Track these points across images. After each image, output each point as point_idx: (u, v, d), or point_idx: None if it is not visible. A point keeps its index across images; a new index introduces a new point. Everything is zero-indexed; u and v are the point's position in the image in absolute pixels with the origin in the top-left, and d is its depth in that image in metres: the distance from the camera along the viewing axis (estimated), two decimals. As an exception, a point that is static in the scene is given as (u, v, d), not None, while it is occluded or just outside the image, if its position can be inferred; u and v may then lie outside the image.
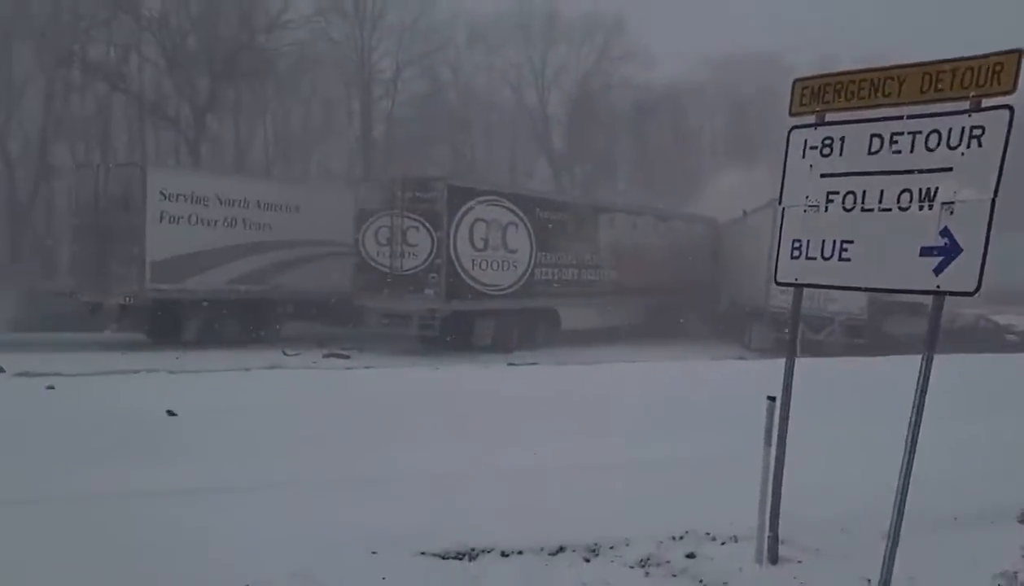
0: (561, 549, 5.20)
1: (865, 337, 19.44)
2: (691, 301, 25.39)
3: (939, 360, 4.53)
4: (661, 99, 37.98)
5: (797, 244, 5.11)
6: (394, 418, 8.70)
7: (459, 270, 18.89)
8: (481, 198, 19.60)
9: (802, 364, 5.33)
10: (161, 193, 18.32)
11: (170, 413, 8.41)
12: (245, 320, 19.84)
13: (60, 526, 5.20)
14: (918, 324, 20.25)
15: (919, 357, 4.45)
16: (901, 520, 4.42)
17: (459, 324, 19.25)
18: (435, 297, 18.54)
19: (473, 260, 19.21)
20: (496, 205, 19.88)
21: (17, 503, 5.54)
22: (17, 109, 29.81)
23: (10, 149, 29.34)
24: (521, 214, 20.37)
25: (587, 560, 5.11)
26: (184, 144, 29.57)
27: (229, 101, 31.33)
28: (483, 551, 5.13)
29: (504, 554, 5.13)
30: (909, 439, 4.41)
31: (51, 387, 9.80)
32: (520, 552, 5.14)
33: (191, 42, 29.28)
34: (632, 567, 5.02)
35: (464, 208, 19.02)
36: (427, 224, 18.60)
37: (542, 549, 5.17)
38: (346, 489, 6.26)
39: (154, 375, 12.43)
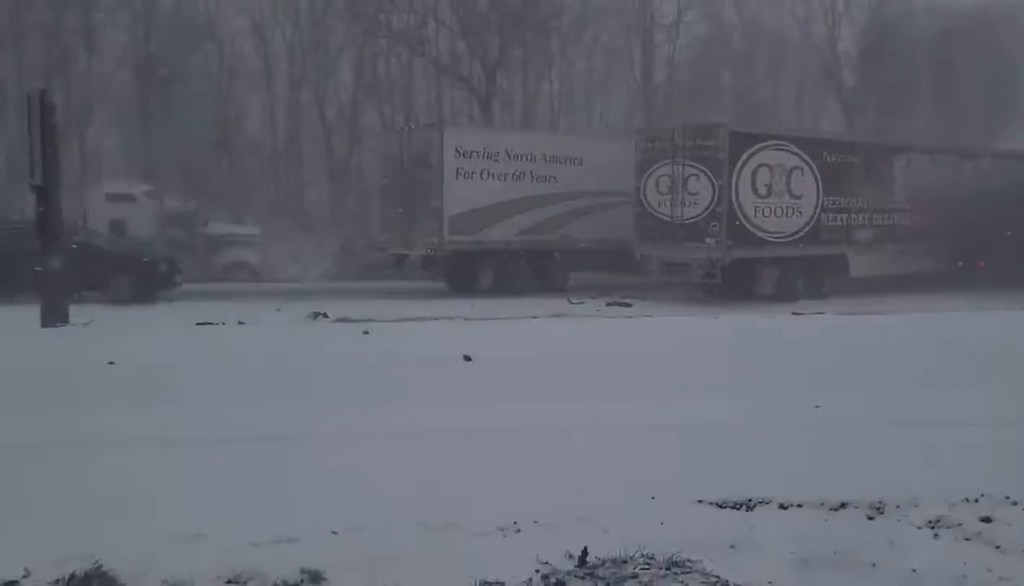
0: (843, 505, 5.18)
1: None
2: (1003, 247, 23.01)
3: None
4: (968, 25, 34.21)
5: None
6: (675, 368, 8.94)
7: (741, 218, 18.58)
8: (764, 143, 19.08)
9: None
10: (456, 150, 19.65)
11: (466, 358, 9.20)
12: (533, 270, 20.81)
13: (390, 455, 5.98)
14: None
15: None
16: None
17: (741, 273, 18.99)
18: (716, 246, 18.40)
19: (756, 207, 18.81)
20: (780, 150, 19.26)
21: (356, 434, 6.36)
22: (333, 78, 32.99)
23: (328, 115, 32.54)
24: (807, 158, 19.57)
25: (870, 518, 5.05)
26: (476, 103, 31.19)
27: (517, 58, 32.56)
28: (761, 502, 5.23)
29: (783, 506, 5.20)
30: None
31: (366, 332, 11.09)
32: (799, 505, 5.19)
33: (482, 3, 30.64)
34: (920, 528, 4.90)
35: (746, 154, 18.62)
36: (708, 172, 18.43)
37: (822, 504, 5.18)
38: (625, 436, 6.56)
39: (452, 322, 13.54)
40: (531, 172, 20.69)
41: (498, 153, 20.20)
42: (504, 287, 19.86)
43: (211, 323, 12.32)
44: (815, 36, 36.61)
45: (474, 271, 20.39)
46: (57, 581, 3.79)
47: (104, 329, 11.85)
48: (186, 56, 31.45)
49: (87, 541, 4.04)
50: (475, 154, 19.90)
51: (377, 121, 32.25)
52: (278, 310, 15.38)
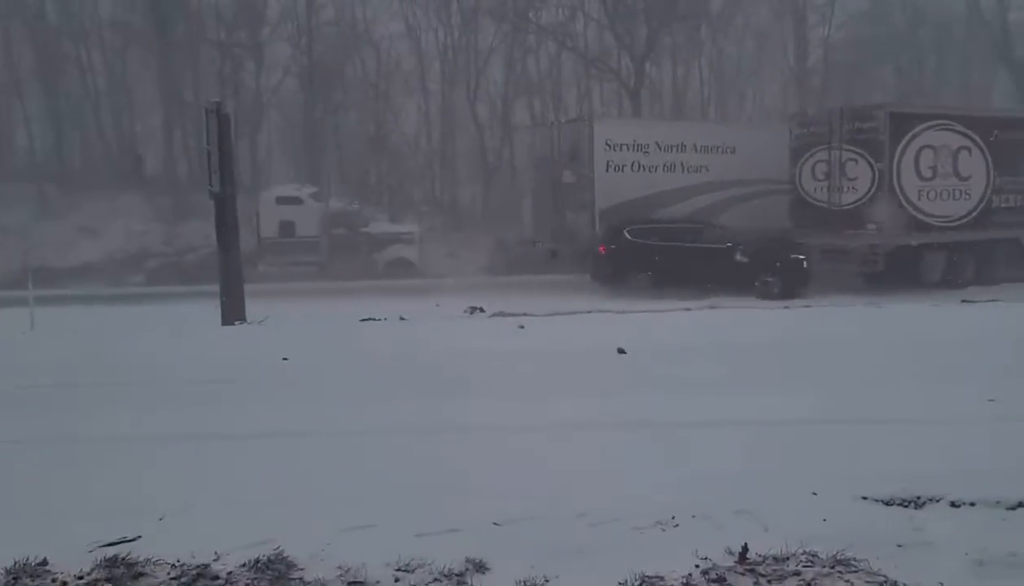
0: (1021, 504, 4.96)
1: None
2: None
3: None
4: None
5: None
6: (835, 358, 8.74)
7: (903, 202, 17.89)
8: (927, 123, 18.27)
9: None
10: (607, 143, 19.71)
11: (620, 351, 9.28)
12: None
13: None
14: None
15: None
16: None
17: (904, 259, 18.26)
18: (877, 232, 17.75)
19: (919, 190, 18.06)
20: (945, 129, 18.38)
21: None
22: (484, 76, 33.63)
23: (479, 113, 33.22)
24: (975, 137, 18.58)
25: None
26: (626, 94, 31.08)
27: (666, 47, 32.24)
28: (931, 500, 5.06)
29: (954, 504, 5.02)
30: None
31: (522, 326, 11.36)
32: (972, 504, 5.00)
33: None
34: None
35: (908, 136, 17.91)
36: (867, 155, 17.82)
37: (998, 503, 4.97)
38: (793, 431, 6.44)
39: (604, 315, 13.61)
40: (682, 162, 20.53)
41: (648, 144, 20.12)
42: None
43: (374, 319, 12.89)
44: (983, 5, 34.31)
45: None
46: (244, 565, 4.14)
47: (278, 326, 12.60)
48: (345, 62, 32.84)
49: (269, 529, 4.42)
50: (625, 146, 19.92)
51: (527, 118, 32.68)
52: (437, 305, 15.90)
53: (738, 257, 18.41)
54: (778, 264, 18.44)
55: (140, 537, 4.32)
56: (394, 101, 33.82)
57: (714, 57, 35.48)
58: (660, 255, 18.51)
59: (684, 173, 20.51)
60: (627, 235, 18.87)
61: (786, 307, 14.81)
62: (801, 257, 18.50)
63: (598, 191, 19.51)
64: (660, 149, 20.27)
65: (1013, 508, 4.88)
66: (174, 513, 4.69)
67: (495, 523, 4.55)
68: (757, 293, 17.81)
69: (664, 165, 20.31)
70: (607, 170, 19.65)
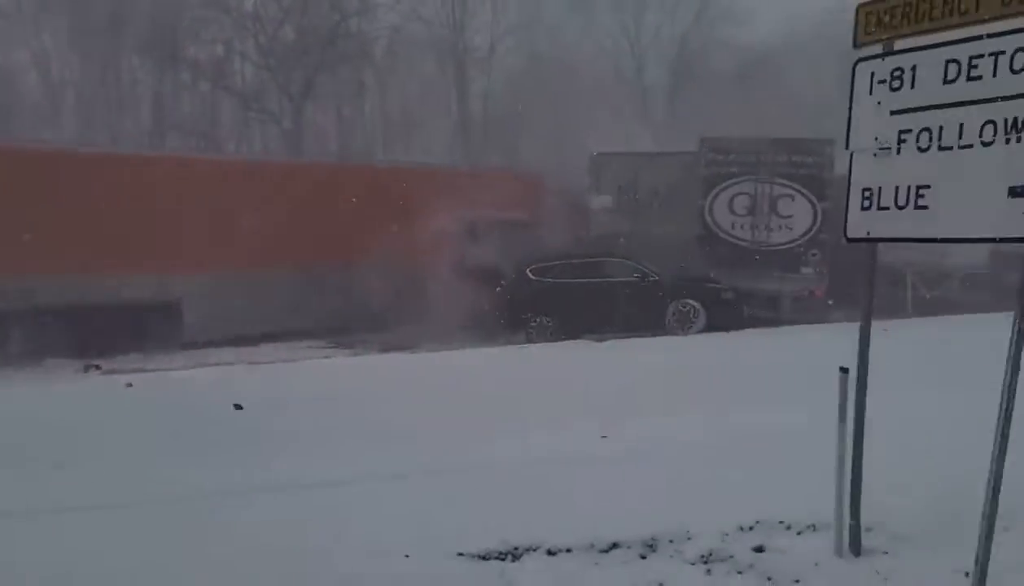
0: (615, 545, 4.74)
1: (987, 292, 16.81)
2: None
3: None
4: (763, 60, 36.08)
5: (868, 193, 4.47)
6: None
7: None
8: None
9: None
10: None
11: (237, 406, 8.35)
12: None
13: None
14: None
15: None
16: (997, 502, 3.78)
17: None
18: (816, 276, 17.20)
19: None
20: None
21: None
22: (130, 111, 30.95)
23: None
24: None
25: (643, 557, 4.64)
26: (282, 135, 30.09)
27: (327, 89, 31.68)
28: (528, 549, 4.72)
29: (551, 552, 4.70)
30: (1002, 410, 3.76)
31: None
32: (569, 549, 4.71)
33: (286, 32, 29.70)
34: (693, 563, 4.53)
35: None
36: (807, 192, 16.98)
37: (592, 546, 4.73)
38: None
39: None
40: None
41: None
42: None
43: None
44: (624, 69, 37.65)
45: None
46: None
47: None
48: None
49: None
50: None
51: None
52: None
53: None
54: (703, 296, 15.88)
55: None
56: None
57: (378, 102, 35.54)
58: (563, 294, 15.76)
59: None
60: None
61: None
62: (726, 288, 16.13)
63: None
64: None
65: (607, 550, 4.66)
66: None
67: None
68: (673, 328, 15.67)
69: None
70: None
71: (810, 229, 17.06)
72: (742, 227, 17.40)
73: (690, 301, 15.64)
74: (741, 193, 17.35)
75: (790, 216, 17.11)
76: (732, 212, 17.43)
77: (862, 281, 4.71)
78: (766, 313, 16.87)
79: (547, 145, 32.36)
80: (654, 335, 14.74)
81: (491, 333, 14.78)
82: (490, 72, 36.37)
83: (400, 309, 15.46)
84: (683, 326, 15.55)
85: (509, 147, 33.63)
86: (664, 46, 37.86)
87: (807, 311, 16.69)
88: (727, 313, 15.61)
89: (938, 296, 17.64)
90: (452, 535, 4.81)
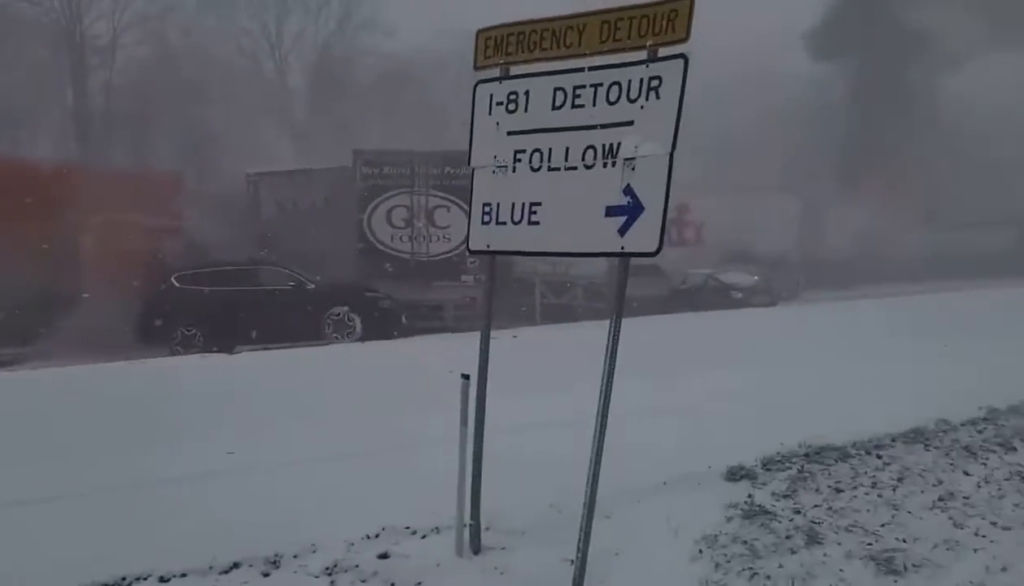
0: (235, 566, 4.52)
1: (606, 300, 19.41)
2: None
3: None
4: (406, 70, 37.23)
5: (488, 208, 4.70)
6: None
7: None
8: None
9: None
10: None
11: None
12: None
13: None
14: (656, 285, 21.01)
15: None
16: (595, 494, 4.12)
17: None
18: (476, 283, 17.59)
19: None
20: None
21: None
22: None
23: None
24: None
25: (266, 574, 4.47)
26: None
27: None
28: (137, 578, 4.35)
29: (163, 579, 4.37)
30: (601, 404, 4.13)
31: None
32: (184, 574, 4.41)
33: None
34: (317, 576, 4.45)
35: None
36: (462, 203, 16.94)
37: (211, 568, 4.47)
38: None
39: None
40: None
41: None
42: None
43: None
44: (265, 71, 36.79)
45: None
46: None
47: None
48: None
49: None
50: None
51: None
52: None
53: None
54: (360, 305, 15.86)
55: None
56: None
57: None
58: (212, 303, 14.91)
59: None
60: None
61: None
62: (383, 297, 16.21)
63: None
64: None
65: (227, 571, 4.44)
66: None
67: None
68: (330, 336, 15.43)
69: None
70: None
71: (467, 239, 17.62)
72: (401, 239, 18.02)
73: (346, 309, 15.63)
74: (399, 205, 17.93)
75: (447, 226, 17.93)
76: (391, 224, 18.00)
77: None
78: (431, 322, 17.43)
79: (184, 144, 30.73)
80: (310, 344, 14.48)
81: (130, 346, 13.58)
82: (112, 64, 33.65)
83: (21, 321, 13.72)
84: (341, 334, 15.52)
85: (138, 144, 31.40)
86: (307, 51, 37.58)
87: (472, 318, 17.34)
88: (385, 321, 15.85)
89: (564, 304, 19.24)
90: (55, 569, 4.32)
